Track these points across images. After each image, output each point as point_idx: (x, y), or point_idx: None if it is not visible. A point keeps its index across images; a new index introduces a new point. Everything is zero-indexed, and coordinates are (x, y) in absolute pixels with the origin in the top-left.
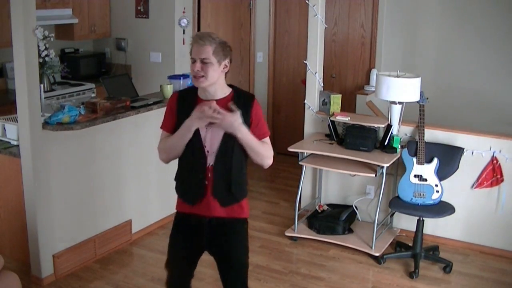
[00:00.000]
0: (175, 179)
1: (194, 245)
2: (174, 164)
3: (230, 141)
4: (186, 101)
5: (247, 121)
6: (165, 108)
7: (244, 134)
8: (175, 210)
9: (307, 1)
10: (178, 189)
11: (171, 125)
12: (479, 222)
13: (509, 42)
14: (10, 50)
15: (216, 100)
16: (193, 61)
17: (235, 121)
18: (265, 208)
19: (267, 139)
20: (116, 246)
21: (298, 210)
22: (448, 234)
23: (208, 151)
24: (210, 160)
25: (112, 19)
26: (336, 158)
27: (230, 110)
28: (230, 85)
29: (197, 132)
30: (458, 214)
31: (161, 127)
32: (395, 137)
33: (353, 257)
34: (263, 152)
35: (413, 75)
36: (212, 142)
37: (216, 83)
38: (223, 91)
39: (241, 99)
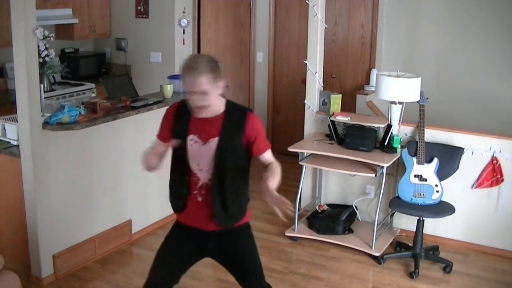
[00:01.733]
0: (169, 185)
1: (192, 251)
2: None
3: (222, 160)
4: (182, 115)
5: (240, 136)
6: (165, 108)
7: (275, 185)
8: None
9: (307, 1)
10: (169, 195)
11: (165, 136)
12: (479, 222)
13: (509, 42)
14: (10, 50)
15: (210, 118)
16: (190, 94)
17: (271, 195)
18: (265, 208)
19: (269, 152)
20: (116, 246)
21: (298, 210)
22: (448, 234)
23: (192, 168)
24: (199, 178)
25: (112, 19)
26: (336, 158)
27: (219, 124)
28: (226, 99)
29: (184, 149)
30: (458, 214)
31: (156, 136)
32: (395, 137)
33: (353, 257)
34: (279, 175)
35: (413, 75)
36: (201, 160)
37: (215, 102)
38: (218, 107)
39: (234, 115)
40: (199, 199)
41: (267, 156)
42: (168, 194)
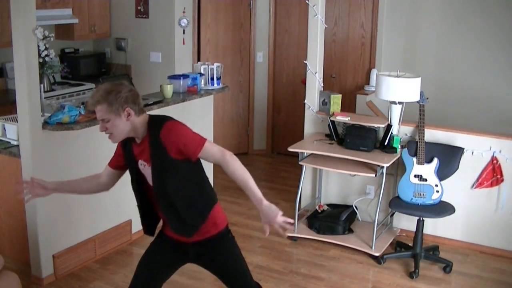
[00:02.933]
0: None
1: (174, 258)
2: None
3: (159, 179)
4: (127, 143)
5: (166, 153)
6: (165, 108)
7: (256, 191)
8: None
9: (307, 1)
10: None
11: (117, 163)
12: (479, 222)
13: (509, 42)
14: (10, 50)
15: (140, 144)
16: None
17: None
18: None
19: (208, 149)
20: (116, 246)
21: (298, 210)
22: (448, 234)
23: (147, 187)
24: (154, 196)
25: (112, 19)
26: (336, 158)
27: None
28: (148, 119)
29: (139, 174)
30: (458, 214)
31: (108, 164)
32: (395, 137)
33: (353, 257)
34: (250, 180)
35: (413, 75)
36: (148, 178)
37: (133, 129)
38: (140, 131)
39: (153, 134)
40: (165, 219)
41: (208, 152)
42: (141, 216)
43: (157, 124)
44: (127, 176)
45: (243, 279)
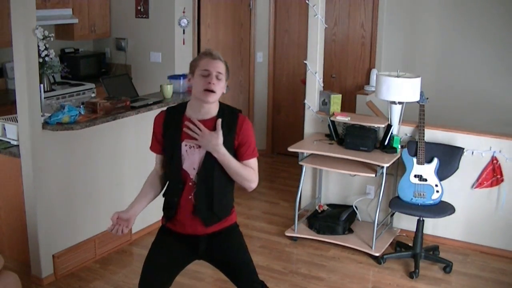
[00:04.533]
0: (163, 195)
1: (182, 255)
2: None
3: (211, 160)
4: (172, 122)
5: (231, 139)
6: (165, 108)
7: (221, 155)
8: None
9: (307, 1)
10: (163, 205)
11: (158, 148)
12: (479, 222)
13: (509, 42)
14: (10, 50)
15: (203, 120)
16: (207, 74)
17: (211, 141)
18: (265, 208)
19: (253, 161)
20: (116, 246)
21: (298, 210)
22: (448, 234)
23: (189, 173)
24: (193, 182)
25: (112, 19)
26: (336, 158)
27: (214, 128)
28: (219, 102)
29: (177, 151)
30: (458, 214)
31: (150, 148)
32: (395, 137)
33: (353, 257)
34: (244, 175)
35: (413, 75)
36: (193, 161)
37: (216, 101)
38: (215, 110)
39: (226, 116)
40: (193, 201)
41: (252, 164)
42: (163, 203)
43: (233, 110)
44: (126, 176)
45: (250, 272)
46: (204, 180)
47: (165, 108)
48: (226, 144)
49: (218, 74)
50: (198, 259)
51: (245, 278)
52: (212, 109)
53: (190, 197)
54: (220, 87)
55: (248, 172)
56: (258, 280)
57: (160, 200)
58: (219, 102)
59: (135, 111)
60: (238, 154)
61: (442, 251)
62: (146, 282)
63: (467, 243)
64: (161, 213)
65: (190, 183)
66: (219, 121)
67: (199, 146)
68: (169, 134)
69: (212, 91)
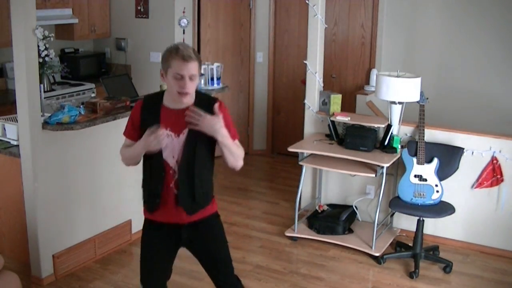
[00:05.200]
0: (142, 186)
1: (170, 248)
2: None
3: (191, 149)
4: (150, 110)
5: None
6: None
7: (224, 137)
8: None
9: (307, 1)
10: (143, 195)
11: (133, 134)
12: (479, 222)
13: (509, 42)
14: (10, 50)
15: (180, 109)
16: (180, 78)
17: (214, 125)
18: (265, 208)
19: (237, 142)
20: (116, 246)
21: (298, 210)
22: (448, 234)
23: (169, 162)
24: (176, 171)
25: (112, 19)
26: (336, 158)
27: (212, 113)
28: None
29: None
30: (458, 214)
31: (123, 134)
32: (395, 137)
33: (353, 257)
34: (238, 153)
35: (413, 75)
36: (175, 152)
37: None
38: (191, 99)
39: (202, 105)
40: (175, 191)
41: (238, 144)
42: (142, 195)
43: (209, 97)
44: (125, 176)
45: (229, 266)
46: (185, 168)
47: (141, 99)
48: (204, 134)
49: (192, 75)
50: (182, 247)
51: (222, 271)
52: (189, 100)
53: (171, 185)
54: (193, 86)
55: (240, 151)
56: (233, 274)
57: None
58: (196, 91)
59: None
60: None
61: (442, 251)
62: (147, 280)
63: (467, 243)
64: None
65: (171, 171)
66: (216, 105)
67: (178, 135)
68: (148, 123)
69: (186, 94)
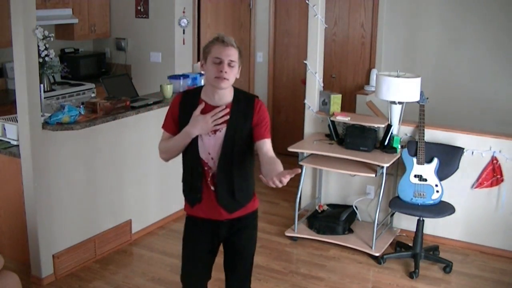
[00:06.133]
0: (182, 180)
1: (209, 243)
2: (175, 164)
3: (229, 148)
4: (188, 104)
5: (248, 124)
6: (165, 108)
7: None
8: (177, 210)
9: (307, 1)
10: (183, 191)
11: (173, 127)
12: (479, 222)
13: (509, 42)
14: (10, 50)
15: (218, 107)
16: (219, 62)
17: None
18: (265, 208)
19: (269, 142)
20: (116, 246)
21: (298, 210)
22: (448, 234)
23: (205, 158)
24: (211, 167)
25: (112, 19)
26: (336, 158)
27: (251, 110)
28: (234, 88)
29: (193, 139)
30: (458, 214)
31: (162, 127)
32: (395, 137)
33: (353, 257)
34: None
35: (413, 75)
36: (211, 149)
37: (230, 86)
38: (228, 95)
39: (241, 102)
40: (212, 188)
41: (268, 144)
42: (182, 190)
43: (249, 94)
44: (126, 176)
45: (249, 266)
46: (223, 166)
47: (181, 92)
48: (244, 131)
49: (231, 61)
50: (220, 243)
51: (240, 270)
52: (226, 96)
53: (208, 182)
54: (233, 74)
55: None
56: (249, 280)
57: (160, 200)
58: (234, 88)
59: (135, 111)
60: (254, 134)
61: (442, 251)
62: (187, 278)
63: (467, 243)
64: (161, 214)
65: (206, 168)
66: (218, 109)
67: (214, 133)
68: (186, 118)
69: (224, 79)
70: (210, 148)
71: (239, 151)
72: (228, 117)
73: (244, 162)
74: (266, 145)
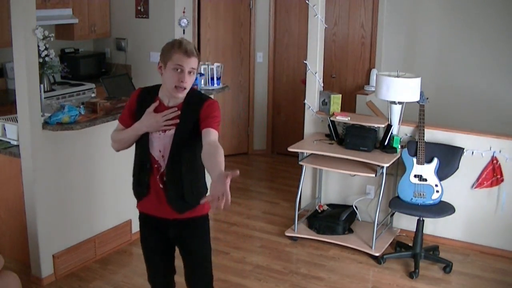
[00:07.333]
0: (132, 175)
1: (163, 239)
2: None
3: (178, 148)
4: (145, 100)
5: (197, 124)
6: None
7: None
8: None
9: (307, 1)
10: (132, 184)
11: (128, 120)
12: (479, 222)
13: (509, 42)
14: (10, 50)
15: (171, 107)
16: (180, 71)
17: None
18: (265, 208)
19: (215, 132)
20: (116, 246)
21: (298, 210)
22: (448, 234)
23: (157, 156)
24: (161, 165)
25: (112, 19)
26: (336, 158)
27: (200, 110)
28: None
29: (145, 135)
30: (458, 214)
31: (118, 119)
32: (395, 137)
33: (353, 257)
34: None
35: (413, 75)
36: (162, 148)
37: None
38: (184, 96)
39: (192, 103)
40: (161, 186)
41: (213, 135)
42: (132, 183)
43: (202, 96)
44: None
45: (208, 267)
46: (172, 167)
47: (142, 87)
48: (193, 131)
49: (192, 69)
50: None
51: (198, 276)
52: (181, 98)
53: (157, 179)
54: (191, 81)
55: (222, 156)
56: (211, 278)
57: None
58: (190, 90)
59: None
60: (200, 126)
61: (442, 251)
62: (153, 278)
63: (467, 243)
64: None
65: (156, 165)
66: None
67: (165, 132)
68: (141, 113)
69: (183, 88)
70: (161, 146)
71: (189, 151)
72: (178, 120)
73: (195, 163)
74: (211, 135)
